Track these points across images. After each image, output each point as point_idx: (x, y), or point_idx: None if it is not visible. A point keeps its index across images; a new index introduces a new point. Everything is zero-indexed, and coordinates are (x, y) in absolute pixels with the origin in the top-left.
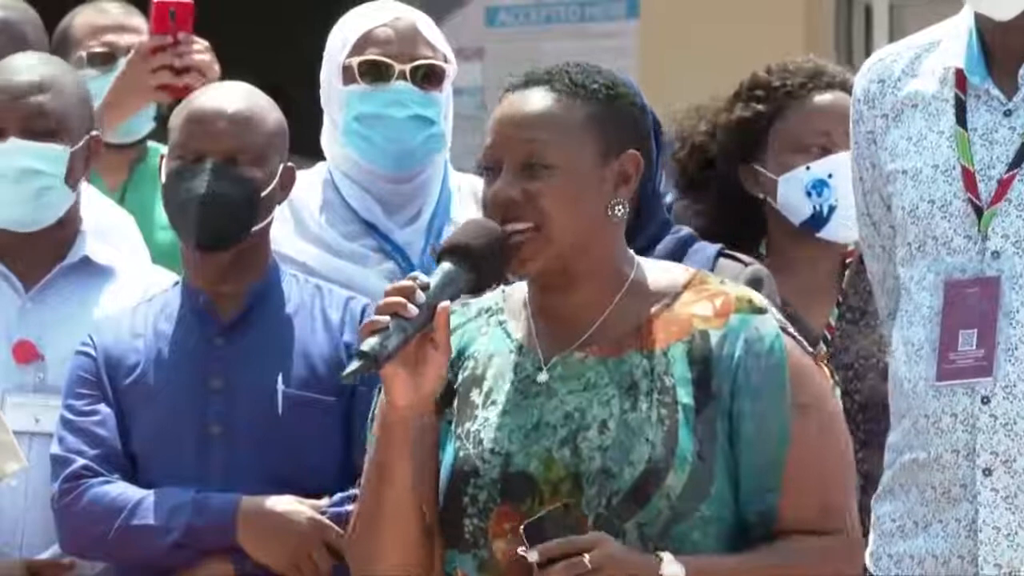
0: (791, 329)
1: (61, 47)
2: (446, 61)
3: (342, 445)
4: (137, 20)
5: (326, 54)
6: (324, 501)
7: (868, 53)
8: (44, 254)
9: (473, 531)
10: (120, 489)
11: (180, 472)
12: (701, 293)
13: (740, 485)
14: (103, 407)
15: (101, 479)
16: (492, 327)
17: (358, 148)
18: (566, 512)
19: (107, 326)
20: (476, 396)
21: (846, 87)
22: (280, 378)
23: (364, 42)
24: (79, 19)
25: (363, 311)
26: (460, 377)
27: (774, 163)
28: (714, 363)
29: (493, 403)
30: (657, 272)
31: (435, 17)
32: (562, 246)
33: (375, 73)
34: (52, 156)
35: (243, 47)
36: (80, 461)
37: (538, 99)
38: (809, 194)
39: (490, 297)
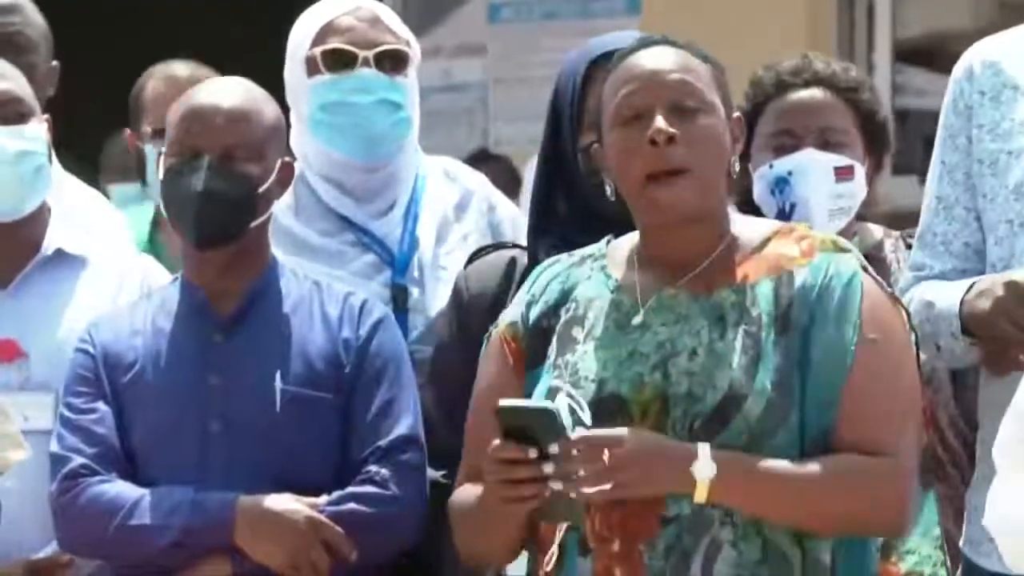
0: (871, 271)
1: (134, 113)
2: (409, 47)
3: (340, 442)
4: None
5: (288, 51)
6: (322, 499)
7: (870, 50)
8: (17, 250)
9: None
10: (118, 488)
11: (179, 469)
12: (789, 237)
13: (804, 410)
14: (101, 405)
15: (99, 478)
16: (595, 272)
17: (326, 137)
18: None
19: (106, 323)
20: (578, 333)
21: (833, 82)
22: (278, 375)
23: (325, 32)
24: (150, 85)
25: (362, 306)
26: (563, 317)
27: (755, 161)
28: (796, 296)
29: (592, 338)
30: (749, 224)
31: (437, 13)
32: (707, 190)
33: (339, 61)
34: (36, 136)
35: (242, 43)
36: (78, 459)
37: (675, 54)
38: (773, 192)
39: (595, 246)
